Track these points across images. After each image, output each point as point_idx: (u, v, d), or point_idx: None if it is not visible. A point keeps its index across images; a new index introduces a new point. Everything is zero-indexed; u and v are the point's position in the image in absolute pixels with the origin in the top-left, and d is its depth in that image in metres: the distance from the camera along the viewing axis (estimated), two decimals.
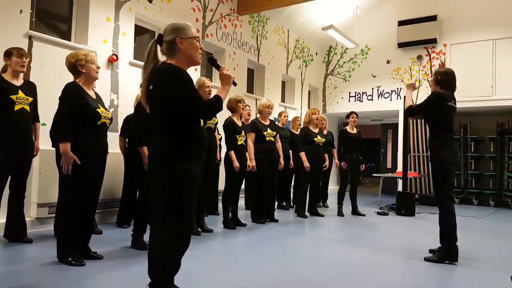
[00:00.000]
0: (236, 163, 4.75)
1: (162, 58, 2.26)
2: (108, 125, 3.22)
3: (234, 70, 7.52)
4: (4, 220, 3.66)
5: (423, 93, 9.21)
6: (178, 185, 2.11)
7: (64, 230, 3.08)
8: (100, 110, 3.12)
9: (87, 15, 5.01)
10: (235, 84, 2.34)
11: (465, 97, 7.54)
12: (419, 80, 9.25)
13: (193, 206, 2.22)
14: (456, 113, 3.76)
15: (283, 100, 9.45)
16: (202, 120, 2.30)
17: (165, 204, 2.13)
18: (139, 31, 5.97)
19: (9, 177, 3.60)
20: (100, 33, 5.13)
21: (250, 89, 8.34)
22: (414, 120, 9.30)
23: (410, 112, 3.86)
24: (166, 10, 6.03)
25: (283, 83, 9.56)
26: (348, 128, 6.51)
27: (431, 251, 3.83)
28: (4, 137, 3.43)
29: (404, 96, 7.26)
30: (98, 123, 3.09)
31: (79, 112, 3.00)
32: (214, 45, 7.13)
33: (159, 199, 2.15)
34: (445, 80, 3.71)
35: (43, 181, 4.23)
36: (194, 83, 4.45)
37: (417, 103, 3.94)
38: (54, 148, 3.76)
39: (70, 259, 3.01)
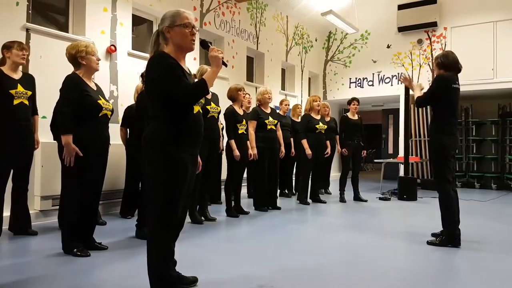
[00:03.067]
0: (237, 152, 4.75)
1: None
2: (109, 116, 3.21)
3: (233, 58, 7.48)
4: (8, 213, 3.68)
5: (424, 77, 9.19)
6: (166, 172, 2.10)
7: (68, 222, 3.10)
8: (101, 101, 3.11)
9: (83, 6, 4.97)
10: (225, 64, 2.23)
11: (466, 80, 7.48)
12: (415, 67, 9.22)
13: (183, 194, 2.18)
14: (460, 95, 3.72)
15: (283, 87, 9.41)
16: (200, 108, 2.28)
17: (153, 191, 2.14)
18: (137, 21, 5.92)
19: (12, 171, 3.61)
20: (97, 24, 5.09)
21: (249, 78, 8.30)
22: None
23: (419, 104, 3.79)
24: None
25: (283, 70, 9.51)
26: (349, 114, 6.49)
27: (433, 234, 3.85)
28: (5, 132, 3.43)
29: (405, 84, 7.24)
30: (100, 115, 3.09)
31: (80, 104, 3.00)
32: (213, 33, 7.08)
33: (148, 186, 2.19)
34: (445, 62, 3.66)
35: (45, 173, 4.24)
36: (196, 71, 4.40)
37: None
38: (55, 141, 3.76)
39: (75, 250, 3.03)
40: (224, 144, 5.12)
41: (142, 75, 3.88)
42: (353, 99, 6.54)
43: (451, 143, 3.62)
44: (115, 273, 2.74)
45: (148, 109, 2.22)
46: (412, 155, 8.97)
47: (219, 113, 4.58)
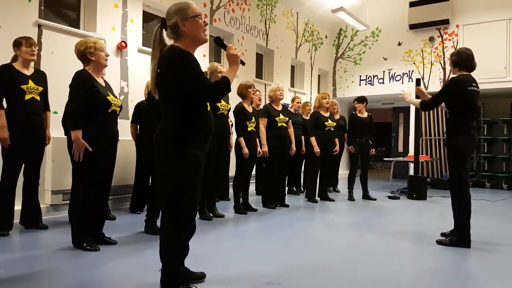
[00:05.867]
0: (246, 150, 4.75)
1: (169, 41, 2.21)
2: (118, 112, 3.23)
3: (242, 55, 7.40)
4: (20, 207, 3.73)
5: (436, 75, 9.11)
6: (182, 169, 2.09)
7: (78, 216, 3.13)
8: (110, 97, 3.13)
9: (95, 2, 5.01)
10: (243, 63, 2.25)
11: (478, 79, 7.24)
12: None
13: (198, 191, 2.18)
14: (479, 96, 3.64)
15: (292, 85, 9.38)
16: (209, 105, 2.28)
17: (169, 189, 2.12)
18: (147, 17, 5.94)
19: (23, 166, 3.66)
20: (108, 20, 5.12)
21: (259, 75, 8.29)
22: None
23: (426, 107, 3.79)
24: None
25: (292, 67, 9.48)
26: (358, 113, 6.46)
27: (443, 234, 3.81)
28: (16, 127, 3.46)
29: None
30: (109, 111, 3.11)
31: (89, 100, 3.01)
32: (223, 30, 7.08)
33: (163, 184, 2.14)
34: (459, 60, 3.60)
35: (56, 168, 4.29)
36: (206, 68, 4.42)
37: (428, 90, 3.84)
38: (66, 136, 3.80)
39: (85, 244, 3.06)
40: (234, 141, 5.12)
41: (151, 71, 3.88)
42: (354, 100, 6.60)
43: (468, 144, 3.55)
44: (124, 267, 2.76)
45: (160, 106, 2.19)
46: (422, 153, 8.89)
47: (229, 110, 4.57)
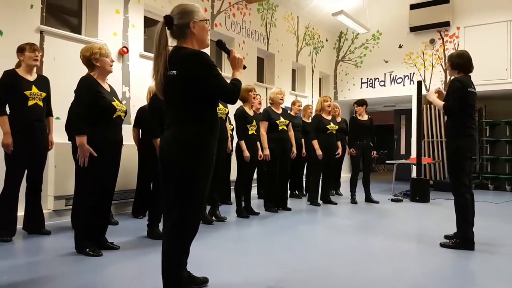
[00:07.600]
0: (247, 153, 4.75)
1: (170, 41, 2.21)
2: (123, 118, 3.24)
3: (243, 59, 7.47)
4: (22, 213, 3.73)
5: (437, 77, 9.10)
6: (201, 173, 2.12)
7: (81, 222, 3.14)
8: (115, 103, 3.14)
9: (96, 8, 5.03)
10: (244, 67, 2.30)
11: (480, 80, 7.33)
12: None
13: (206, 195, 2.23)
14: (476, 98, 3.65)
15: (293, 88, 9.39)
16: None
17: (187, 194, 2.10)
18: (149, 22, 5.97)
19: (26, 171, 3.66)
20: (110, 26, 5.14)
21: (260, 78, 8.31)
22: (428, 106, 9.18)
23: (449, 110, 3.59)
24: (174, 1, 6.01)
25: (293, 71, 9.50)
26: (358, 115, 6.46)
27: (446, 237, 3.80)
28: (19, 132, 3.47)
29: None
30: (114, 116, 3.12)
31: (95, 105, 3.03)
32: (223, 35, 7.10)
33: (179, 188, 2.10)
34: (461, 63, 3.60)
35: (59, 174, 4.30)
36: None
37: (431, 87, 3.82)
38: (69, 142, 3.81)
39: (87, 249, 3.06)
40: (234, 145, 5.12)
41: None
42: (354, 103, 6.62)
43: (468, 145, 3.56)
44: (127, 272, 2.77)
45: (170, 109, 2.18)
46: (424, 156, 8.88)
47: (227, 114, 4.57)
